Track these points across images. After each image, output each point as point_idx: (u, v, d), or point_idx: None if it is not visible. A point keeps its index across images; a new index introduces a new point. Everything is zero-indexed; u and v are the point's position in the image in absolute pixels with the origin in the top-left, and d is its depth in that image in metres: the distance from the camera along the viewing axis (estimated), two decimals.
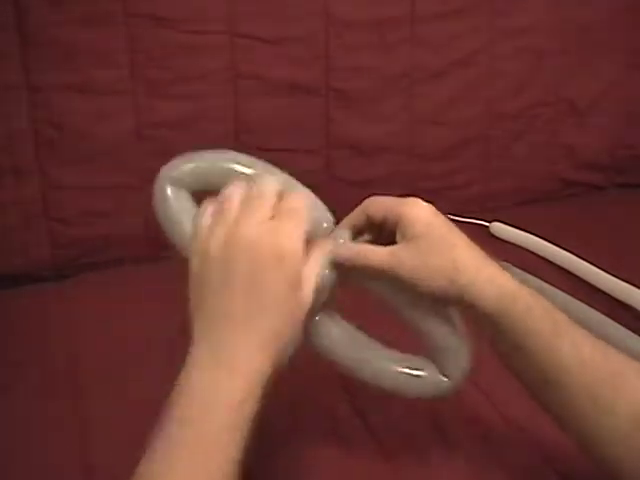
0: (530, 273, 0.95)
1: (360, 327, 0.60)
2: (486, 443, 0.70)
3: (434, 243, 0.55)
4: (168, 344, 0.87)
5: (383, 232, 0.58)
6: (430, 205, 0.57)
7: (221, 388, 0.48)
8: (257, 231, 0.49)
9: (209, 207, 0.53)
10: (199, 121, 1.03)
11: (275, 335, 0.50)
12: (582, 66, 1.21)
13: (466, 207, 1.19)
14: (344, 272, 0.58)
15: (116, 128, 1.00)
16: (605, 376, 0.51)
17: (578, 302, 0.88)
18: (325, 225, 0.58)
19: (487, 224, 1.13)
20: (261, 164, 0.59)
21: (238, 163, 0.58)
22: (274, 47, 1.03)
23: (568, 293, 0.90)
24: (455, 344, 0.59)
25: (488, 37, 1.14)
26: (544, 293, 0.90)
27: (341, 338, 0.59)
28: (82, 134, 0.99)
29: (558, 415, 0.54)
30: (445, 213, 1.22)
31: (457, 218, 1.14)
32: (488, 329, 0.54)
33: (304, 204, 0.52)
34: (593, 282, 0.96)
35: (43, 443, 0.72)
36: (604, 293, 0.94)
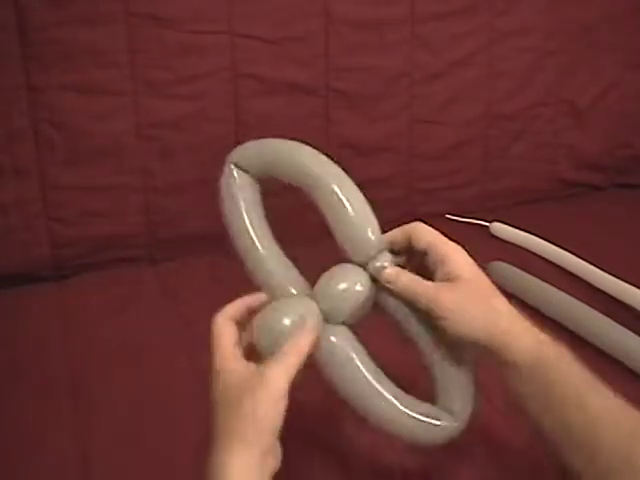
0: (530, 273, 0.95)
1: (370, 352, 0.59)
2: (486, 440, 0.70)
3: (477, 289, 0.55)
4: (167, 344, 0.87)
5: (413, 256, 0.59)
6: None
7: None
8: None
9: None
10: (199, 121, 1.03)
11: (248, 445, 0.51)
12: (582, 66, 1.21)
13: (466, 207, 1.19)
14: (381, 295, 0.59)
15: (116, 128, 1.00)
16: (628, 427, 0.51)
17: (578, 302, 0.88)
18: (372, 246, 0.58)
19: (487, 224, 1.13)
20: (324, 165, 0.60)
21: (305, 159, 0.60)
22: (274, 47, 1.03)
23: (568, 293, 0.90)
24: (464, 384, 0.58)
25: (488, 37, 1.14)
26: (544, 293, 0.92)
27: (352, 372, 0.58)
28: (82, 134, 0.99)
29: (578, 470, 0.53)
30: (445, 213, 1.24)
31: (457, 218, 1.16)
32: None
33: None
34: (593, 282, 0.96)
35: (42, 442, 0.73)
36: (604, 293, 0.94)
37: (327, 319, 0.58)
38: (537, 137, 1.22)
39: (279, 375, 0.52)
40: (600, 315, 0.86)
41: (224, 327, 0.56)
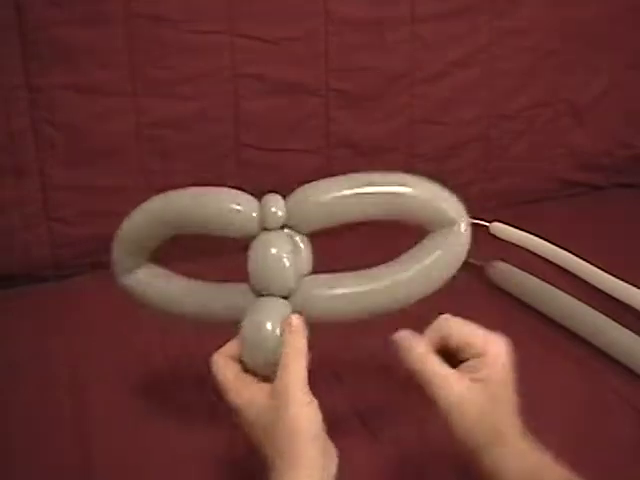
0: (530, 273, 0.95)
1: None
2: None
3: (495, 405, 0.55)
4: (168, 344, 0.87)
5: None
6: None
7: None
8: None
9: None
10: (199, 121, 1.03)
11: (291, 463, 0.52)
12: (582, 66, 1.21)
13: (466, 207, 1.19)
14: None
15: (116, 128, 1.00)
16: None
17: (578, 302, 0.88)
18: None
19: (487, 224, 1.13)
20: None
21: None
22: (274, 47, 1.03)
23: (568, 293, 0.90)
24: None
25: (488, 37, 1.14)
26: (544, 293, 0.92)
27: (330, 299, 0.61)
28: (82, 134, 0.99)
29: None
30: None
31: None
32: None
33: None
34: (593, 282, 0.96)
35: (42, 443, 0.72)
36: (604, 293, 0.94)
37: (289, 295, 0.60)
38: (537, 137, 1.22)
39: (296, 382, 0.54)
40: (600, 315, 0.86)
41: (223, 362, 0.58)
